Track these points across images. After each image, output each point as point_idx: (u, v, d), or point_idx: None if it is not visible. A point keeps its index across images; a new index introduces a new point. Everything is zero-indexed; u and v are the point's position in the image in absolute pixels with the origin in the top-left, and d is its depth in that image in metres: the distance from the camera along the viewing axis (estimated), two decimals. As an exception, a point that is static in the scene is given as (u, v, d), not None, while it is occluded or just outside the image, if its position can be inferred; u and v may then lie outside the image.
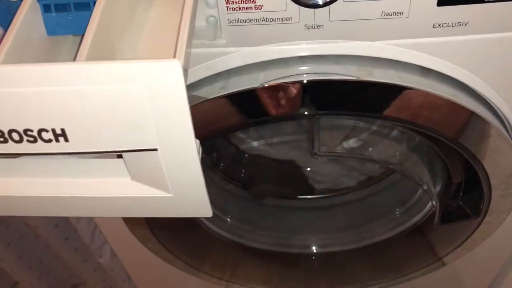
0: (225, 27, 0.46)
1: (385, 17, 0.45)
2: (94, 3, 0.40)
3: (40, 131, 0.30)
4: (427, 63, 0.48)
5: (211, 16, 0.46)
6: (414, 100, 0.49)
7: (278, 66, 0.49)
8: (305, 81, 0.48)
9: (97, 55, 0.35)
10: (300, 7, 0.44)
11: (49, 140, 0.31)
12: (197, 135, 0.31)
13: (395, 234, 0.77)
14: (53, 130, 0.30)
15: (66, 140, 0.31)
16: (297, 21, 0.45)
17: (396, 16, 0.45)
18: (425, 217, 0.71)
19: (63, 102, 0.29)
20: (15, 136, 0.31)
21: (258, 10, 0.45)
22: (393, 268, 0.79)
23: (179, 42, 0.32)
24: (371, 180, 0.83)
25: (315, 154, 0.57)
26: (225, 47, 0.48)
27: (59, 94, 0.29)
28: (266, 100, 0.48)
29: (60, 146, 0.31)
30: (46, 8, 0.41)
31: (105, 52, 0.36)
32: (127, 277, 0.95)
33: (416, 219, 0.73)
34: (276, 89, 0.48)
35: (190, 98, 0.30)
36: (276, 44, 0.47)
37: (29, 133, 0.31)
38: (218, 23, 0.46)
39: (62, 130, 0.30)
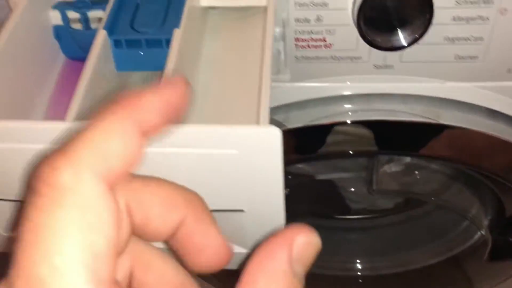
0: (291, 63, 0.45)
1: (458, 60, 0.43)
2: (166, 40, 0.39)
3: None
4: (497, 106, 0.47)
5: (275, 49, 0.46)
6: (479, 143, 0.48)
7: (340, 102, 0.48)
8: (369, 119, 0.47)
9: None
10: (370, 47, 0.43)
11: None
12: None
13: (431, 263, 0.76)
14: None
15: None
16: (367, 60, 0.44)
17: (470, 60, 0.43)
18: (468, 249, 0.70)
19: (151, 162, 0.28)
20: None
21: (327, 48, 0.44)
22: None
23: (263, 100, 0.31)
24: (409, 205, 0.82)
25: (373, 191, 0.56)
26: (288, 82, 0.47)
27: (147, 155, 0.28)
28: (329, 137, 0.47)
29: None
30: (117, 44, 0.40)
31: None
32: None
33: (457, 251, 0.71)
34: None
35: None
36: (342, 82, 0.46)
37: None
38: (284, 58, 0.45)
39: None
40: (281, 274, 0.21)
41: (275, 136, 0.26)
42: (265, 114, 0.30)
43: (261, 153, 0.27)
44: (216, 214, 0.32)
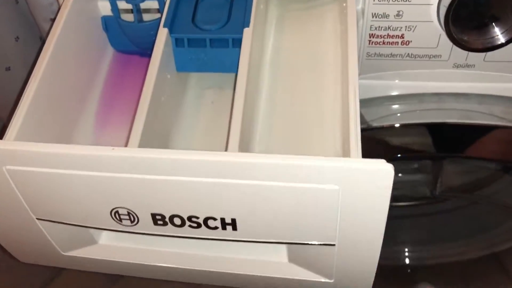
0: (362, 59, 0.41)
1: (550, 60, 0.39)
2: (233, 40, 0.35)
3: (207, 218, 0.27)
4: None
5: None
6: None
7: (411, 101, 0.44)
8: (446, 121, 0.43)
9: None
10: (454, 45, 0.39)
11: (215, 228, 0.27)
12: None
13: (471, 258, 0.73)
14: (222, 220, 0.27)
15: (234, 229, 0.27)
16: (447, 59, 0.40)
17: None
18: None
19: (241, 195, 0.25)
20: (177, 221, 0.27)
21: (404, 45, 0.40)
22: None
23: (352, 127, 0.27)
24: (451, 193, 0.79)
25: (436, 195, 0.53)
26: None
27: (240, 187, 0.25)
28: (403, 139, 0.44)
29: (226, 233, 0.27)
30: (178, 42, 0.36)
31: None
32: None
33: (502, 247, 0.68)
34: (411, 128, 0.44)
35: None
36: (416, 80, 0.42)
37: (193, 219, 0.27)
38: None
39: (233, 220, 0.27)
40: None
41: (387, 173, 0.23)
42: (357, 145, 0.27)
43: (365, 189, 0.24)
44: (302, 247, 0.30)
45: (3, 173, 0.27)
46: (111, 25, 0.42)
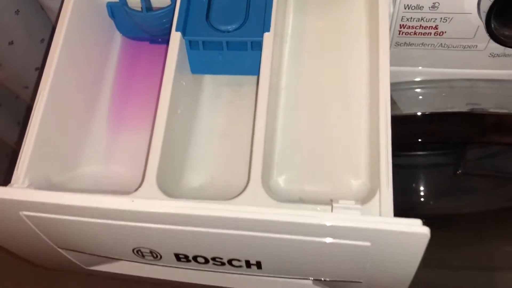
0: (391, 48, 0.38)
1: None
2: (252, 43, 0.32)
3: (231, 260, 0.26)
4: None
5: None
6: None
7: (441, 85, 0.42)
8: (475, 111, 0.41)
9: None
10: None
11: (239, 266, 0.27)
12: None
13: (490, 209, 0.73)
14: (247, 262, 0.26)
15: (259, 268, 0.26)
16: (483, 49, 0.37)
17: None
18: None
19: (269, 245, 0.24)
20: (200, 260, 0.27)
21: (438, 36, 0.36)
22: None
23: (383, 168, 0.26)
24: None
25: (459, 172, 0.51)
26: (381, 65, 0.40)
27: (268, 240, 0.24)
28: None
29: (250, 271, 0.27)
30: (192, 45, 0.33)
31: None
32: None
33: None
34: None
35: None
36: (449, 67, 0.39)
37: (217, 259, 0.26)
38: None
39: (258, 262, 0.26)
40: None
41: (422, 237, 0.22)
42: (388, 185, 0.25)
43: (398, 248, 0.23)
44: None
45: (20, 217, 0.26)
46: (117, 12, 0.39)
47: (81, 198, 0.24)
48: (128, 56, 0.41)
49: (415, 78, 0.41)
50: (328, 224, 0.22)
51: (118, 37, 0.41)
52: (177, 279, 0.32)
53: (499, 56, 0.38)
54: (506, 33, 0.34)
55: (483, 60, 0.38)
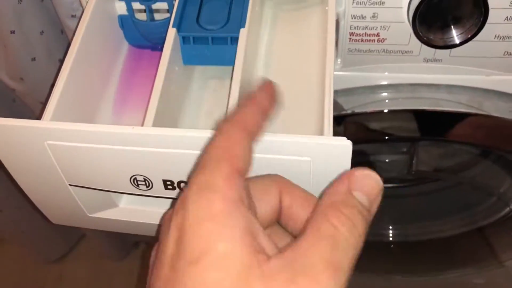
0: (344, 54, 0.47)
1: (507, 56, 0.45)
2: (231, 38, 0.42)
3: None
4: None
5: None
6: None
7: (386, 90, 0.51)
8: (416, 109, 0.49)
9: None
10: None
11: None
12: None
13: (457, 233, 0.79)
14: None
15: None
16: (417, 55, 0.46)
17: (518, 56, 0.45)
18: (495, 222, 0.73)
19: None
20: (183, 185, 0.34)
21: (380, 42, 0.46)
22: (450, 264, 0.82)
23: (326, 111, 0.34)
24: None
25: (413, 172, 0.59)
26: (339, 71, 0.49)
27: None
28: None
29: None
30: (185, 40, 0.43)
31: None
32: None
33: (483, 223, 0.75)
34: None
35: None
36: (392, 72, 0.49)
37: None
38: (336, 48, 0.48)
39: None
40: (340, 205, 0.25)
41: (346, 147, 0.30)
42: (330, 125, 0.33)
43: (331, 161, 0.31)
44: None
45: (44, 147, 0.33)
46: (126, 23, 0.49)
47: (95, 126, 0.32)
48: (132, 60, 0.50)
49: (367, 83, 0.51)
50: (279, 139, 0.30)
51: (125, 45, 0.50)
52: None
53: (431, 61, 0.47)
54: (431, 37, 0.43)
55: (420, 65, 0.47)
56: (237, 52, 0.39)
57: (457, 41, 0.42)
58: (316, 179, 0.32)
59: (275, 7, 0.49)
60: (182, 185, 0.34)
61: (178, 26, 0.42)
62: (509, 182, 0.66)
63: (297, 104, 0.39)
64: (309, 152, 0.30)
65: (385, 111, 0.50)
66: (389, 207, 0.87)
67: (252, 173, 0.32)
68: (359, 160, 0.83)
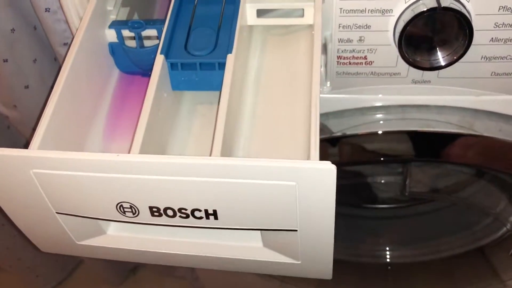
0: (333, 77, 0.48)
1: (494, 76, 0.45)
2: (219, 63, 0.42)
3: (193, 210, 0.33)
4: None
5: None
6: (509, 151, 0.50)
7: (377, 112, 0.51)
8: (408, 130, 0.49)
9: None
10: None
11: (200, 218, 0.34)
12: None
13: (456, 253, 0.79)
14: (206, 211, 0.33)
15: (216, 218, 0.34)
16: (405, 76, 0.47)
17: (506, 76, 0.45)
18: (493, 242, 0.72)
19: (220, 191, 0.32)
20: (170, 212, 0.34)
21: (368, 65, 0.46)
22: (450, 285, 0.81)
23: (313, 136, 0.34)
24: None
25: (406, 194, 0.59)
26: (328, 93, 0.50)
27: (219, 184, 0.31)
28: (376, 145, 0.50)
29: (209, 222, 0.34)
30: (173, 66, 0.43)
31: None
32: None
33: (482, 243, 0.74)
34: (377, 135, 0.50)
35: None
36: (381, 94, 0.49)
37: (183, 211, 0.34)
38: (325, 71, 0.48)
39: (214, 211, 0.33)
40: None
41: (330, 172, 0.30)
42: (316, 149, 0.33)
43: (315, 185, 0.31)
44: (272, 233, 0.36)
45: (30, 175, 0.33)
46: (117, 50, 0.49)
47: (80, 154, 0.32)
48: (123, 86, 0.50)
49: (356, 105, 0.51)
50: (261, 164, 0.30)
51: (116, 72, 0.51)
52: (154, 249, 0.39)
53: (419, 82, 0.47)
54: (418, 58, 0.43)
55: (408, 86, 0.48)
56: (224, 78, 0.40)
57: (443, 63, 0.42)
58: (302, 204, 0.32)
59: (265, 32, 0.49)
60: (168, 211, 0.34)
61: (166, 53, 0.42)
62: (505, 202, 0.66)
63: (284, 129, 0.39)
64: (294, 177, 0.30)
65: (379, 132, 0.50)
66: (386, 228, 0.87)
67: (238, 200, 0.32)
68: (356, 181, 0.84)
